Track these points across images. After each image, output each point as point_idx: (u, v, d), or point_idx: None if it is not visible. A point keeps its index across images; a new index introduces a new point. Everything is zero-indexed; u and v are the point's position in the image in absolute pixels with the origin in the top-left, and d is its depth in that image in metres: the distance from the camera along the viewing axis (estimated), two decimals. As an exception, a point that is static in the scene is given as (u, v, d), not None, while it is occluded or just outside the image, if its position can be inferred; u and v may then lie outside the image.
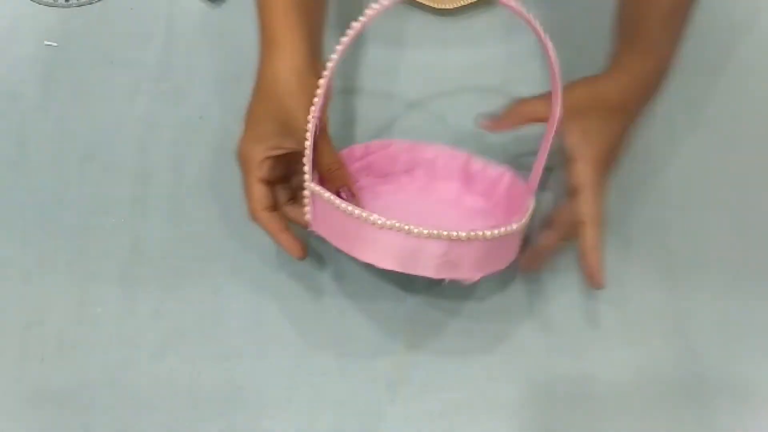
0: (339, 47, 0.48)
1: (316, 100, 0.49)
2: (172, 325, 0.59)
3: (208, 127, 0.66)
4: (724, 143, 0.63)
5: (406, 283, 0.59)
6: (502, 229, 0.49)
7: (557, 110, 0.51)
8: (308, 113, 0.50)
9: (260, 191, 0.54)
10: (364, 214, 0.48)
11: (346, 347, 0.58)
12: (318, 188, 0.51)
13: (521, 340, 0.58)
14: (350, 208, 0.49)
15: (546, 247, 0.57)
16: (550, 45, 0.48)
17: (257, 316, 0.59)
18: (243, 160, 0.54)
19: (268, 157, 0.54)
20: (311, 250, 0.60)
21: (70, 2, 0.72)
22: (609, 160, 0.55)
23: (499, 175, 0.59)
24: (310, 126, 0.50)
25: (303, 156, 0.51)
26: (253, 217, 0.54)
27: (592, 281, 0.54)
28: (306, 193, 0.52)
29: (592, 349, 0.57)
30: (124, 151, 0.65)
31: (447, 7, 0.68)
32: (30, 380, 0.58)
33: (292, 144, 0.52)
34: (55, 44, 0.70)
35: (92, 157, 0.65)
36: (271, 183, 0.55)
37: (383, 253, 0.48)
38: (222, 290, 0.60)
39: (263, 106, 0.54)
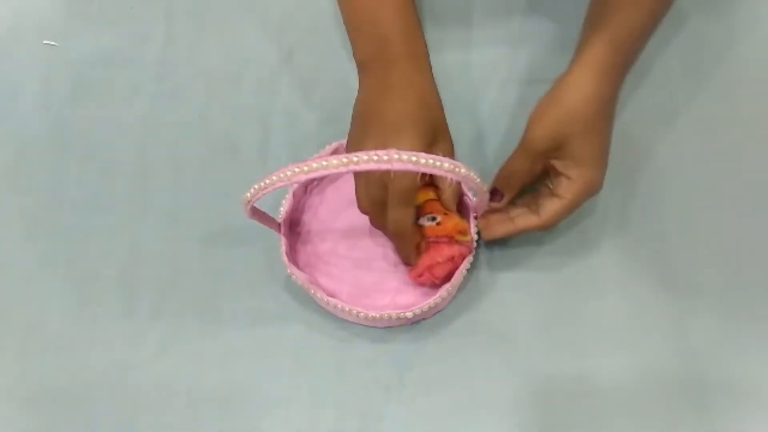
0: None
1: None
2: (171, 325, 0.59)
3: (208, 127, 0.66)
4: (724, 143, 0.63)
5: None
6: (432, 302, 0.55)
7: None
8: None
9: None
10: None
11: (346, 347, 0.58)
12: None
13: (521, 340, 0.58)
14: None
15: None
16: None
17: (257, 316, 0.59)
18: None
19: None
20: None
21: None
22: (600, 167, 0.55)
23: None
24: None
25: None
26: (405, 224, 0.53)
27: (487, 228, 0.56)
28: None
29: (592, 349, 0.57)
30: (124, 151, 0.65)
31: None
32: (30, 380, 0.58)
33: (440, 152, 0.50)
34: (54, 44, 0.70)
35: (92, 157, 0.65)
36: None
37: None
38: (222, 290, 0.60)
39: (423, 113, 0.54)
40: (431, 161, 0.45)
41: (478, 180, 0.49)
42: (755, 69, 0.67)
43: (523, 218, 0.56)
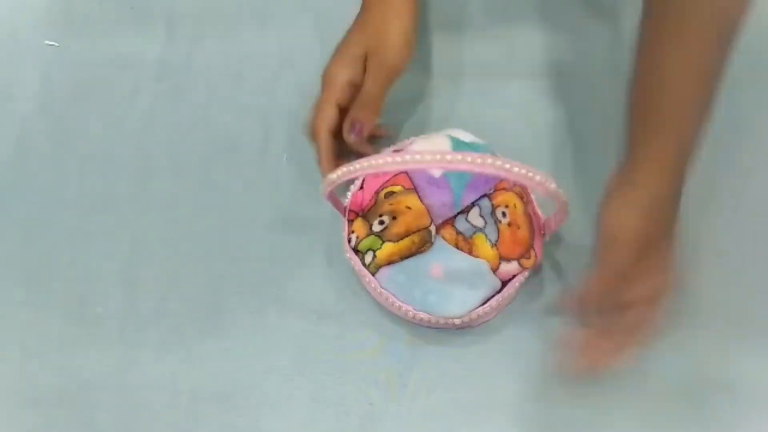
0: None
1: None
2: (172, 324, 0.59)
3: (208, 126, 0.66)
4: (724, 141, 0.63)
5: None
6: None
7: None
8: (403, 62, 0.58)
9: (332, 111, 0.57)
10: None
11: (346, 347, 0.58)
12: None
13: (521, 340, 0.57)
14: None
15: None
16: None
17: (257, 316, 0.59)
18: (326, 79, 0.58)
19: (351, 84, 0.57)
20: (310, 251, 0.61)
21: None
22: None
23: None
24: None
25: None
26: (313, 134, 0.57)
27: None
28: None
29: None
30: (124, 151, 0.65)
31: None
32: (30, 380, 0.58)
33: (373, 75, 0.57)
34: (55, 44, 0.70)
35: (92, 156, 0.65)
36: (342, 112, 0.57)
37: None
38: (223, 290, 0.60)
39: (361, 37, 0.58)
40: (524, 171, 0.46)
41: (565, 198, 0.49)
42: (757, 69, 0.66)
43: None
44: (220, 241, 0.62)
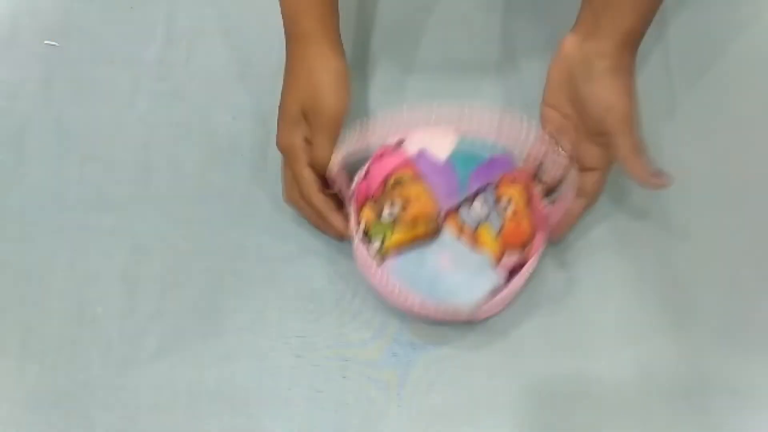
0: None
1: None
2: (172, 324, 0.59)
3: (208, 126, 0.66)
4: (724, 141, 0.63)
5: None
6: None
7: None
8: (341, 103, 0.56)
9: (310, 174, 0.57)
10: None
11: (346, 347, 0.58)
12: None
13: (521, 340, 0.58)
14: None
15: (573, 214, 0.58)
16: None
17: (257, 316, 0.59)
18: (285, 150, 0.58)
19: (308, 141, 0.57)
20: (310, 252, 0.61)
21: None
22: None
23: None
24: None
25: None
26: (309, 199, 0.57)
27: (651, 183, 0.54)
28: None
29: (592, 348, 0.57)
30: (124, 151, 0.65)
31: None
32: (30, 380, 0.58)
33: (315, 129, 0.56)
34: (55, 44, 0.70)
35: (92, 156, 0.65)
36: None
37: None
38: (222, 290, 0.60)
39: (294, 95, 0.57)
40: (516, 125, 0.48)
41: (565, 151, 0.50)
42: (758, 65, 0.66)
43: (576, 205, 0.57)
44: (220, 240, 0.62)
